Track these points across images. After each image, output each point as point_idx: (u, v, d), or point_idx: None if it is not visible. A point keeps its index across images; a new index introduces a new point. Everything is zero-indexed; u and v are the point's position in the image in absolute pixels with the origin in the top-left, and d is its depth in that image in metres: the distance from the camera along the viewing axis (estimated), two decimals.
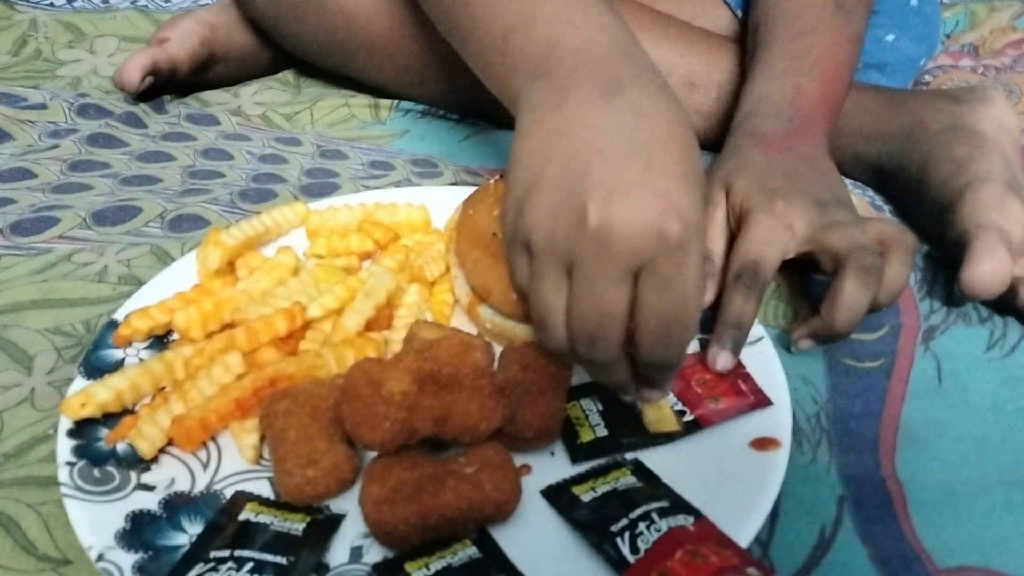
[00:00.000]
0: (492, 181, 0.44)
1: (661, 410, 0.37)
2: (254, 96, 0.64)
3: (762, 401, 0.36)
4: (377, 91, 0.62)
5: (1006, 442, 0.37)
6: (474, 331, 0.42)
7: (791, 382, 0.38)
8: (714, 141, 0.58)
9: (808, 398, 0.39)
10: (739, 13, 0.62)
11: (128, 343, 0.40)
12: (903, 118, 0.54)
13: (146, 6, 0.74)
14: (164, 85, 0.62)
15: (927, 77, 0.68)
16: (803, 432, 0.37)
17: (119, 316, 0.40)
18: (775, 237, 0.41)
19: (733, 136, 0.49)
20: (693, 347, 0.39)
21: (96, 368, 0.38)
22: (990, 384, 0.40)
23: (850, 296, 0.38)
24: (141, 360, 0.39)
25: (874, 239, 0.42)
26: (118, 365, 0.39)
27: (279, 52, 0.65)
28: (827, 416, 0.38)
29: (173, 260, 0.46)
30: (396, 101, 0.62)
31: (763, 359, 0.38)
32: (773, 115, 0.48)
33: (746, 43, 0.56)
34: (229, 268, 0.44)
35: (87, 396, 0.35)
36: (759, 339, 0.40)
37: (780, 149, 0.46)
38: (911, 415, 0.38)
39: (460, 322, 0.43)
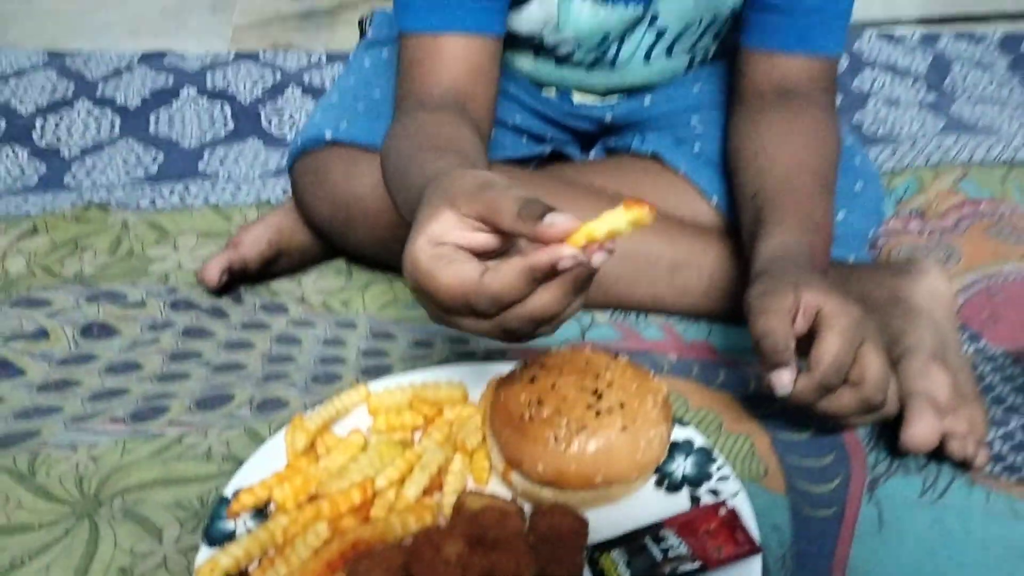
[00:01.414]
0: (517, 368, 0.55)
1: None
2: (315, 284, 0.77)
3: (754, 548, 0.46)
4: None
5: None
6: (507, 493, 0.53)
7: (763, 529, 0.48)
8: (700, 313, 0.70)
9: (776, 543, 0.49)
10: (714, 200, 0.74)
11: (238, 515, 0.50)
12: (851, 291, 0.65)
13: (217, 204, 0.87)
14: (239, 278, 0.75)
15: (880, 242, 0.80)
16: (771, 572, 0.47)
17: (228, 492, 0.51)
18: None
19: (768, 273, 0.56)
20: (707, 499, 0.49)
21: (215, 538, 0.49)
22: (922, 525, 0.50)
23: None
24: (249, 529, 0.50)
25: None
26: (231, 534, 0.49)
27: (332, 244, 0.78)
28: (791, 557, 0.48)
29: (262, 439, 0.57)
30: None
31: (741, 511, 0.49)
32: (793, 262, 0.57)
33: (743, 207, 0.66)
34: (311, 447, 0.55)
35: (214, 564, 0.46)
36: (736, 493, 0.50)
37: (825, 275, 0.57)
38: (857, 556, 0.48)
39: (495, 484, 0.53)
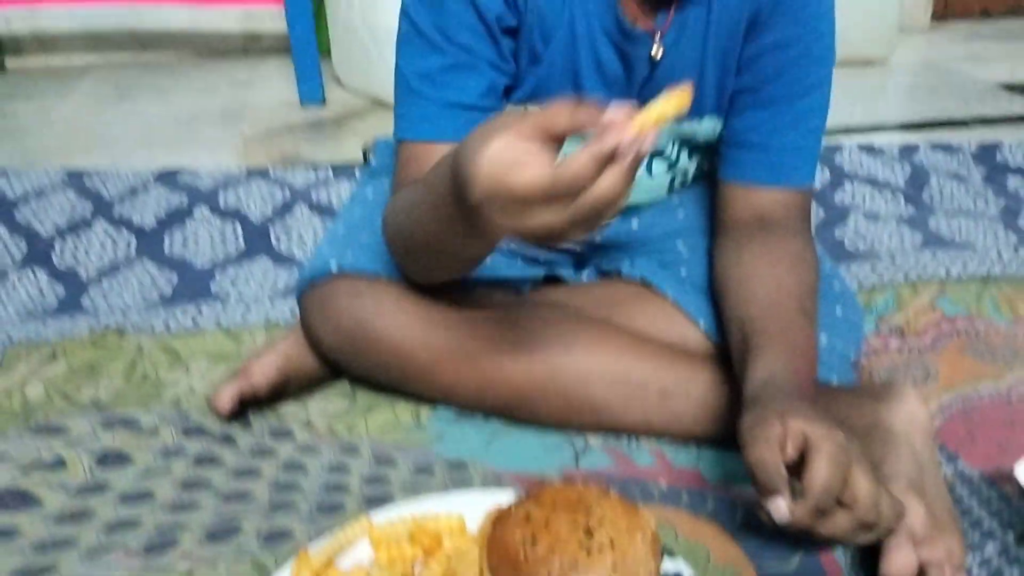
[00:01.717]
0: (513, 504, 0.58)
1: None
2: (320, 406, 0.80)
3: None
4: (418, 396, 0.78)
5: None
6: None
7: None
8: (690, 438, 0.73)
9: None
10: (702, 323, 0.77)
11: None
12: (835, 416, 0.68)
13: (228, 326, 0.91)
14: (249, 403, 0.78)
15: (862, 361, 0.84)
16: None
17: None
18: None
19: (758, 401, 0.60)
20: None
21: None
22: None
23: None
24: None
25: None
26: None
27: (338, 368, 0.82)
28: None
29: (269, 572, 0.59)
30: (434, 406, 0.78)
31: None
32: (781, 390, 0.61)
33: (731, 333, 0.70)
34: None
35: None
36: None
37: (812, 401, 0.60)
38: None
39: None
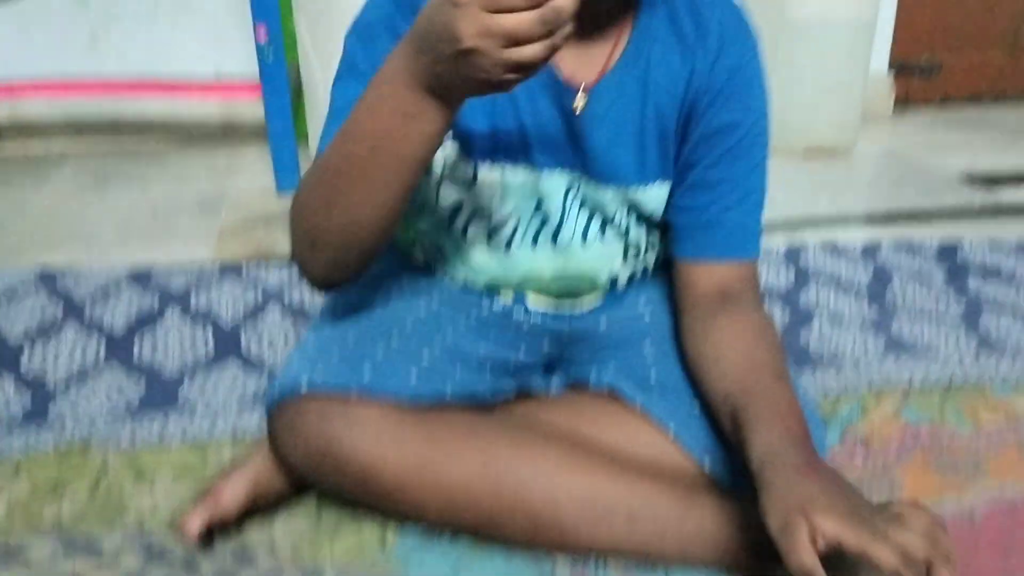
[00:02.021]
0: None
1: None
2: (285, 526, 0.79)
3: None
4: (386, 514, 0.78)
5: None
6: None
7: None
8: (657, 563, 0.73)
9: None
10: (671, 428, 0.78)
11: None
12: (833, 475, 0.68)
13: (194, 439, 0.91)
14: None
15: None
16: None
17: None
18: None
19: (765, 481, 0.61)
20: None
21: None
22: None
23: None
24: None
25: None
26: None
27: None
28: None
29: None
30: (399, 529, 0.77)
31: None
32: (783, 453, 0.62)
33: (718, 411, 0.73)
34: None
35: None
36: None
37: (815, 470, 0.61)
38: None
39: None
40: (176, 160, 2.06)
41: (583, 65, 0.76)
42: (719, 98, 0.76)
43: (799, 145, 2.04)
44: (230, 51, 2.13)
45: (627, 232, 0.84)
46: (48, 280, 1.25)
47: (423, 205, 0.85)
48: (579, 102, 0.76)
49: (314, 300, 1.20)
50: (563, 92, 0.76)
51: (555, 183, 0.80)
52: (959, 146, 2.15)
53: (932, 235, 1.46)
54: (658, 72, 0.76)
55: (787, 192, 1.78)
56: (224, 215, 1.66)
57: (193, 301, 1.19)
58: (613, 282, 0.88)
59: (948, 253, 1.34)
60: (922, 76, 2.48)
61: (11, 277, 1.26)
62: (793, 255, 1.33)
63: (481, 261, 0.85)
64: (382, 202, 0.68)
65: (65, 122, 2.13)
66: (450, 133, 0.76)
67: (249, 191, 1.80)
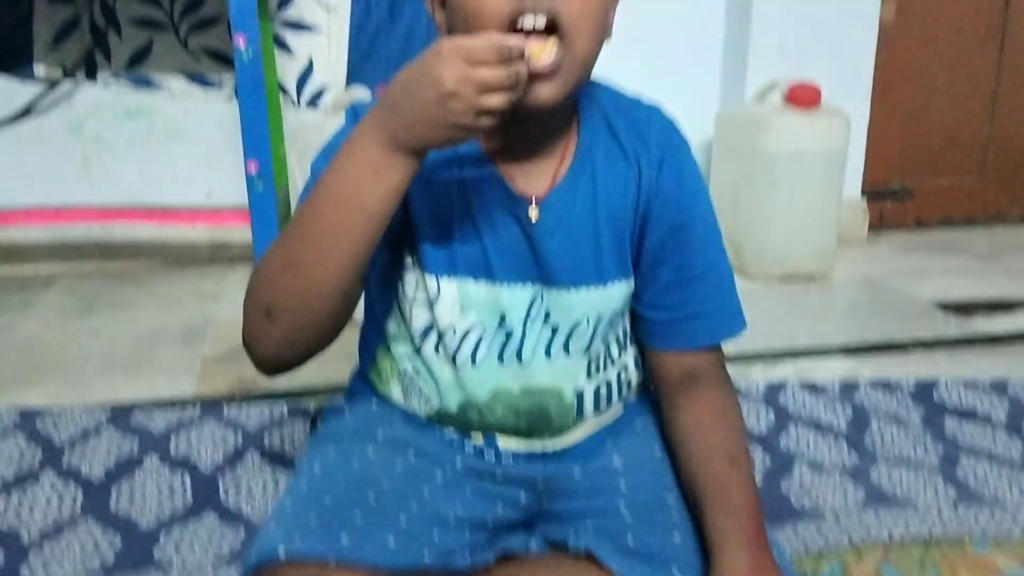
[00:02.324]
0: None
1: None
2: None
3: None
4: None
5: None
6: None
7: None
8: None
9: None
10: None
11: None
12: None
13: None
14: None
15: None
16: None
17: None
18: None
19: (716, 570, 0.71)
20: None
21: None
22: None
23: None
24: None
25: None
26: None
27: None
28: None
29: None
30: None
31: None
32: (733, 555, 0.71)
33: (687, 487, 0.80)
34: None
35: None
36: None
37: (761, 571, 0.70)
38: None
39: None
40: (163, 284, 2.08)
41: (534, 179, 0.81)
42: (671, 200, 0.82)
43: (776, 272, 2.08)
44: (220, 178, 2.18)
45: (590, 345, 0.86)
46: (28, 421, 1.25)
47: (398, 330, 0.87)
48: (533, 212, 0.80)
49: (293, 443, 1.20)
50: (518, 204, 0.80)
51: (516, 297, 0.82)
52: (934, 272, 2.19)
53: (909, 370, 1.48)
54: (605, 180, 0.81)
55: (767, 320, 1.81)
56: (207, 347, 1.67)
57: (173, 446, 1.19)
58: (580, 402, 0.88)
59: (925, 393, 1.36)
60: (895, 200, 2.56)
61: None
62: (772, 394, 1.34)
63: (450, 380, 0.85)
64: (343, 259, 0.70)
65: (54, 245, 2.16)
66: (414, 259, 0.82)
67: (233, 320, 1.79)
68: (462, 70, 0.63)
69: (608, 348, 0.88)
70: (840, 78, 2.27)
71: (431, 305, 0.83)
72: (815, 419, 1.27)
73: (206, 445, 1.19)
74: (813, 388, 1.37)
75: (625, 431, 0.92)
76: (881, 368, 1.53)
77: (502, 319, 0.83)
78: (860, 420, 1.26)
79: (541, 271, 0.82)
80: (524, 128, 0.78)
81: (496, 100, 0.64)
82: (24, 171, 2.10)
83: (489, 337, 0.84)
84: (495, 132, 0.78)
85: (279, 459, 1.16)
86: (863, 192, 2.46)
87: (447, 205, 0.80)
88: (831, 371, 1.52)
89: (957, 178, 2.60)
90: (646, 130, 0.83)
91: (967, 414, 1.29)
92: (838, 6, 2.28)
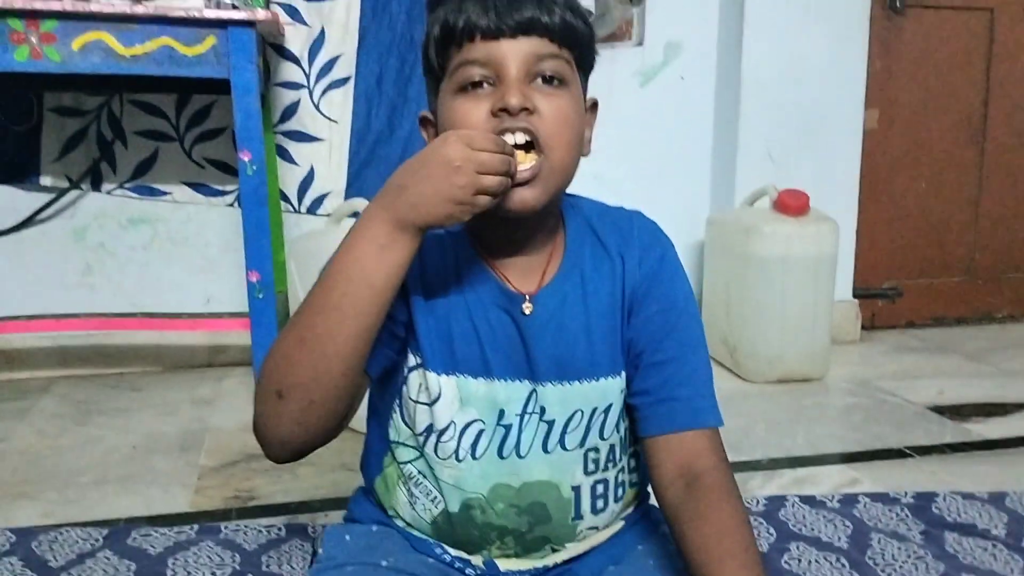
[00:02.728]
0: None
1: None
2: None
3: None
4: None
5: None
6: None
7: None
8: None
9: None
10: None
11: None
12: None
13: None
14: None
15: None
16: None
17: None
18: None
19: None
20: None
21: None
22: None
23: None
24: None
25: None
26: None
27: None
28: None
29: None
30: None
31: None
32: None
33: None
34: None
35: None
36: None
37: None
38: None
39: None
40: (160, 389, 2.08)
41: (526, 278, 0.85)
42: (651, 288, 0.86)
43: (772, 375, 2.10)
44: (220, 284, 2.21)
45: (584, 440, 0.87)
46: (23, 542, 1.24)
47: (400, 434, 0.89)
48: (527, 307, 0.84)
49: (292, 565, 1.18)
50: (512, 301, 0.84)
51: (513, 392, 0.85)
52: (927, 372, 2.22)
53: (906, 479, 1.49)
54: (593, 279, 0.86)
55: (764, 425, 1.82)
56: (204, 456, 1.66)
57: (170, 570, 1.17)
58: (578, 498, 0.88)
59: (924, 506, 1.36)
60: (886, 300, 2.60)
61: None
62: (773, 509, 1.34)
63: (453, 479, 0.86)
64: (351, 331, 0.74)
65: (53, 351, 2.17)
66: (416, 357, 0.85)
67: (230, 430, 1.81)
68: (465, 151, 0.71)
69: (608, 447, 0.89)
70: (827, 182, 2.35)
71: (432, 403, 0.85)
72: (816, 536, 1.26)
73: (204, 568, 1.17)
74: (812, 502, 1.37)
75: (626, 558, 0.92)
76: (879, 475, 1.53)
77: (500, 414, 0.85)
78: (861, 535, 1.26)
79: (535, 367, 0.84)
80: (515, 230, 0.84)
81: (492, 181, 0.72)
82: (26, 278, 2.12)
83: (489, 432, 0.86)
84: (489, 234, 0.85)
85: None
86: (854, 293, 2.50)
87: (446, 305, 0.84)
88: (830, 480, 1.52)
89: (945, 278, 2.65)
90: (628, 229, 0.89)
91: (967, 528, 1.29)
92: (823, 114, 2.37)
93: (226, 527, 1.29)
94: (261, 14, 1.67)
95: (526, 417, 0.86)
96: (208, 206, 2.19)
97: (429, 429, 0.86)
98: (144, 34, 1.62)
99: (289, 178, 2.18)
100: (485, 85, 0.78)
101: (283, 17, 2.06)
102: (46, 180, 2.10)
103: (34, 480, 1.55)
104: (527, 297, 0.84)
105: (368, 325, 0.75)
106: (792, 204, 2.07)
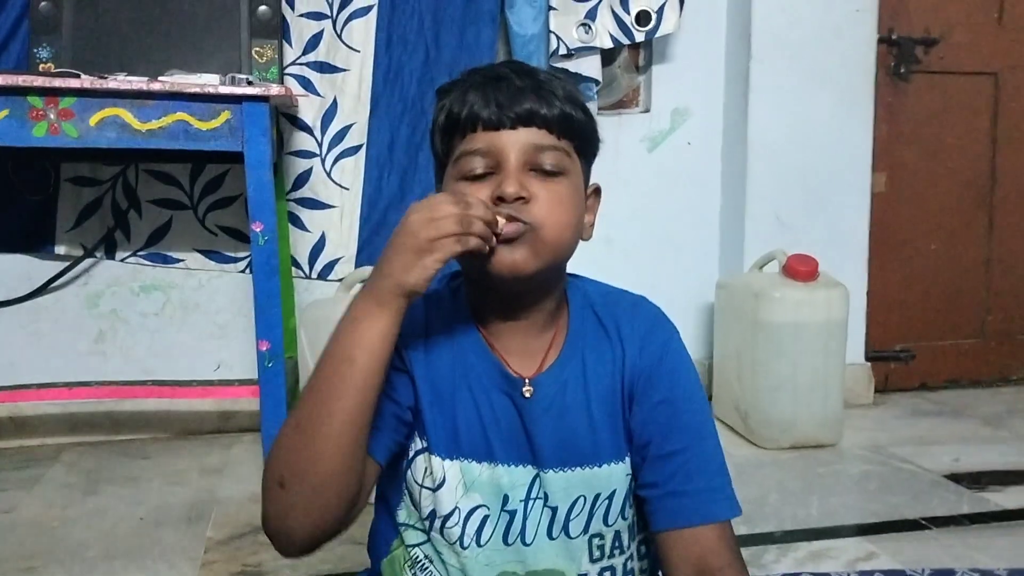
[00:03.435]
0: None
1: None
2: None
3: None
4: None
5: None
6: None
7: None
8: None
9: None
10: None
11: None
12: None
13: None
14: None
15: None
16: None
17: None
18: None
19: None
20: None
21: None
22: None
23: None
24: None
25: None
26: None
27: None
28: None
29: None
30: None
31: None
32: None
33: None
34: None
35: None
36: None
37: None
38: None
39: None
40: (169, 457, 2.08)
41: (527, 361, 0.85)
42: (653, 378, 0.85)
43: (784, 441, 2.08)
44: (230, 350, 2.22)
45: (588, 526, 0.86)
46: None
47: (408, 518, 0.88)
48: (527, 390, 0.84)
49: None
50: (513, 384, 0.84)
51: (517, 478, 0.84)
52: (942, 438, 2.19)
53: (923, 552, 1.46)
54: (594, 364, 0.85)
55: (778, 495, 1.79)
56: (211, 528, 1.65)
57: None
58: None
59: None
60: (899, 363, 2.58)
61: None
62: None
63: (459, 565, 0.85)
64: (344, 413, 0.74)
65: (64, 418, 2.17)
66: (422, 440, 0.84)
67: (238, 500, 1.80)
68: (426, 207, 0.73)
69: (613, 534, 0.88)
70: (836, 245, 2.35)
71: (436, 488, 0.85)
72: None
73: None
74: None
75: None
76: (896, 548, 1.51)
77: (505, 499, 0.85)
78: None
79: (538, 452, 0.84)
80: (513, 307, 0.85)
81: (474, 243, 0.74)
82: (39, 346, 2.14)
83: (493, 518, 0.85)
84: (489, 313, 0.85)
85: None
86: (867, 356, 2.49)
87: (450, 388, 0.84)
88: (845, 553, 1.50)
89: (959, 340, 2.64)
90: (630, 314, 0.88)
91: None
92: (830, 177, 2.38)
93: None
94: (275, 89, 1.71)
95: (530, 503, 0.85)
96: (220, 273, 2.21)
97: (433, 514, 0.86)
98: (160, 109, 1.66)
99: (301, 244, 2.21)
100: (487, 176, 0.80)
101: (296, 88, 2.11)
102: (60, 249, 2.13)
103: (41, 554, 1.54)
104: (527, 380, 0.84)
105: (357, 404, 0.74)
106: (801, 270, 2.07)
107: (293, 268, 2.21)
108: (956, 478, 1.89)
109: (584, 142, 0.85)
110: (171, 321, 2.21)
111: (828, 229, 2.38)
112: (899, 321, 2.57)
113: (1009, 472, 1.94)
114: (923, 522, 1.65)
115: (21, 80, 1.60)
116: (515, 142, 0.79)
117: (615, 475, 0.86)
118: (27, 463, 2.03)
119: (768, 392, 2.09)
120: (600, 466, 0.85)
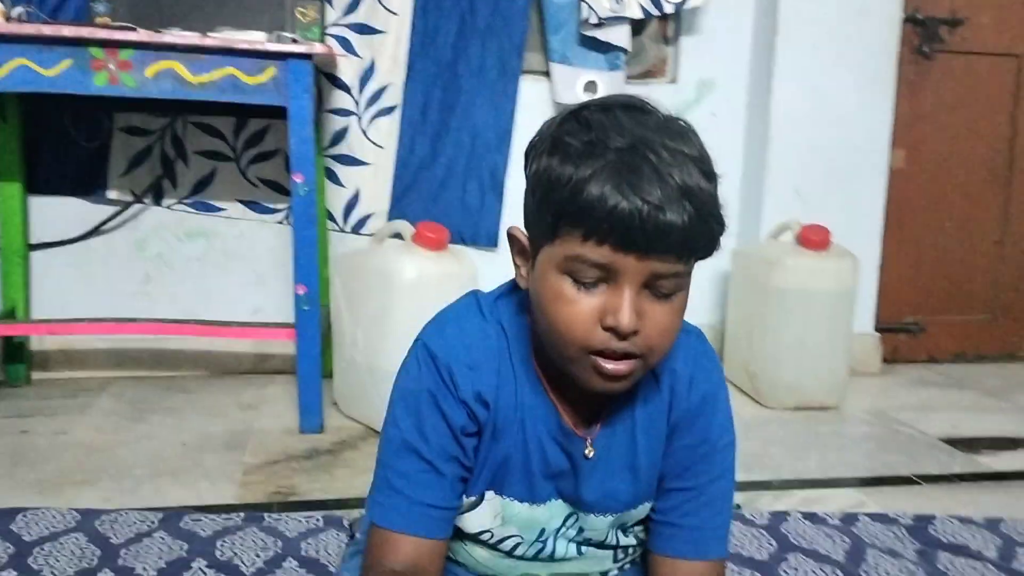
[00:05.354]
0: None
1: None
2: None
3: None
4: None
5: None
6: None
7: None
8: None
9: None
10: None
11: None
12: None
13: None
14: None
15: None
16: None
17: None
18: None
19: None
20: None
21: None
22: None
23: None
24: None
25: None
26: None
27: None
28: None
29: None
30: None
31: None
32: None
33: None
34: None
35: None
36: None
37: None
38: None
39: None
40: (208, 393, 2.21)
41: (581, 411, 0.86)
42: (692, 422, 0.87)
43: (789, 402, 2.17)
44: (267, 295, 2.35)
45: (617, 542, 0.93)
46: (88, 521, 1.36)
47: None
48: (589, 450, 0.85)
49: (328, 551, 1.29)
50: (571, 440, 0.85)
51: (555, 515, 0.89)
52: (943, 406, 2.28)
53: (911, 504, 1.56)
54: (643, 418, 0.87)
55: (779, 448, 1.89)
56: (248, 455, 1.78)
57: (219, 551, 1.29)
58: None
59: (921, 527, 1.43)
60: (908, 336, 2.66)
61: (54, 518, 1.37)
62: (776, 522, 1.42)
63: (484, 558, 0.93)
64: None
65: (111, 353, 2.31)
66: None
67: (274, 429, 1.93)
68: None
69: (638, 540, 0.95)
70: (852, 219, 2.43)
71: (470, 509, 0.88)
72: (814, 549, 1.34)
73: (248, 551, 1.29)
74: (814, 518, 1.45)
75: None
76: (885, 501, 1.60)
77: (540, 532, 0.90)
78: (857, 551, 1.34)
79: (581, 501, 0.88)
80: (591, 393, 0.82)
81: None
82: (90, 285, 2.28)
83: (526, 544, 0.91)
84: (562, 380, 0.84)
85: (315, 565, 1.26)
86: (876, 327, 2.57)
87: (503, 423, 0.85)
88: (836, 502, 1.60)
89: (969, 316, 2.71)
90: (680, 356, 0.86)
91: (960, 549, 1.36)
92: (850, 154, 2.45)
93: (269, 516, 1.41)
94: (318, 47, 1.81)
95: (564, 530, 0.90)
96: (260, 223, 2.33)
97: (462, 526, 0.89)
98: (211, 64, 1.77)
99: (336, 199, 2.32)
100: (597, 284, 0.73)
101: (336, 48, 2.21)
102: (112, 194, 2.26)
103: (94, 470, 1.68)
104: (588, 441, 0.85)
105: None
106: (813, 239, 2.15)
107: (328, 221, 2.32)
108: (952, 442, 1.98)
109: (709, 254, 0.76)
110: (213, 267, 2.34)
111: (845, 203, 2.45)
112: (910, 295, 2.65)
113: (1005, 439, 2.03)
114: (915, 478, 1.75)
115: (86, 32, 1.72)
116: (640, 269, 0.71)
117: (645, 511, 0.91)
118: (76, 392, 2.18)
119: (776, 355, 2.18)
120: (636, 508, 0.90)
